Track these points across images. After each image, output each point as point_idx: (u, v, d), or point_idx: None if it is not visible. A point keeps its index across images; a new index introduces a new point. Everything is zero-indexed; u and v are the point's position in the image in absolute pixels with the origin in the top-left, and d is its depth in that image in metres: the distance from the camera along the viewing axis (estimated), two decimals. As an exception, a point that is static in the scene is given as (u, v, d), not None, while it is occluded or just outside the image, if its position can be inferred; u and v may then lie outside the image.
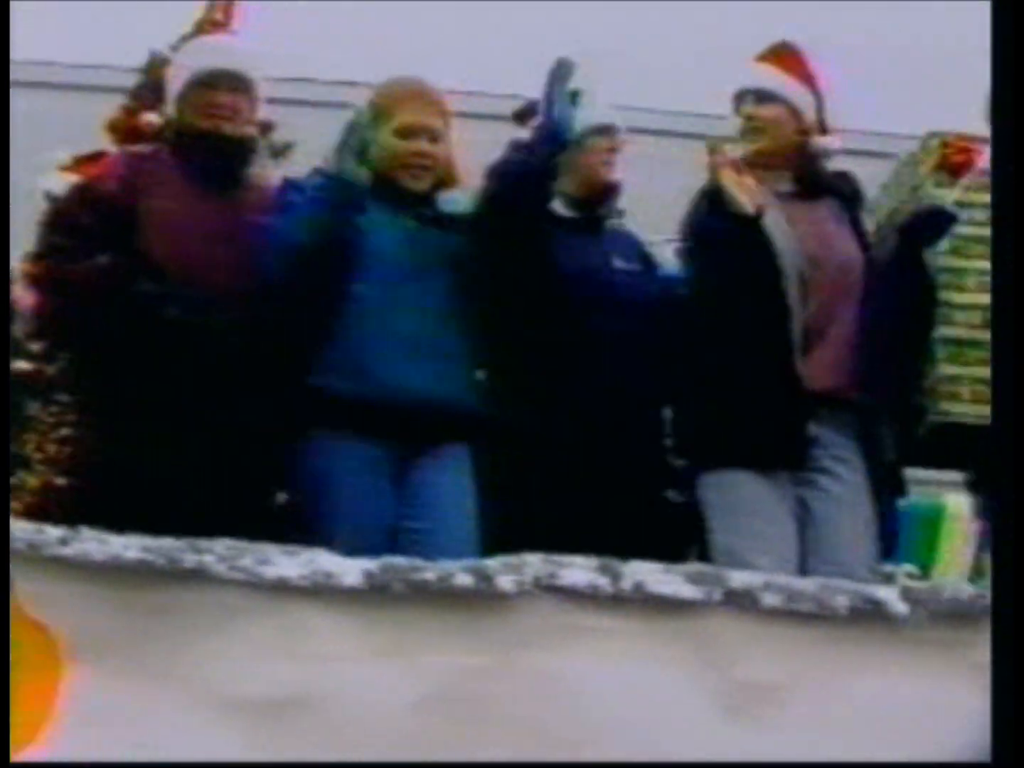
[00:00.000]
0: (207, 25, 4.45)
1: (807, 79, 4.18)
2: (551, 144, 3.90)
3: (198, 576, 2.92)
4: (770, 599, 3.00)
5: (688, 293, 4.10)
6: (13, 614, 2.91)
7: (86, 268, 3.88)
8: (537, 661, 2.95)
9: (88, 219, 3.99)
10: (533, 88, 4.02)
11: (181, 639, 2.92)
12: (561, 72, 3.93)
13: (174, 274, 3.91)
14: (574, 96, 3.93)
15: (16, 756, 2.86)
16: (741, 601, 3.00)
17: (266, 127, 4.53)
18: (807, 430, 3.92)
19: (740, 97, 4.22)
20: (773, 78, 4.18)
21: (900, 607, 3.00)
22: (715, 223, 4.02)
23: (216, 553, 2.93)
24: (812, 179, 4.18)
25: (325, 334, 3.86)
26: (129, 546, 2.93)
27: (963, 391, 3.95)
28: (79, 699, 2.90)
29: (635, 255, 4.36)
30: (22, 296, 4.22)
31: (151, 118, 4.52)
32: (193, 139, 4.09)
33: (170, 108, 4.20)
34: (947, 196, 4.03)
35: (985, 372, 3.90)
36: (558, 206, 4.31)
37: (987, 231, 4.00)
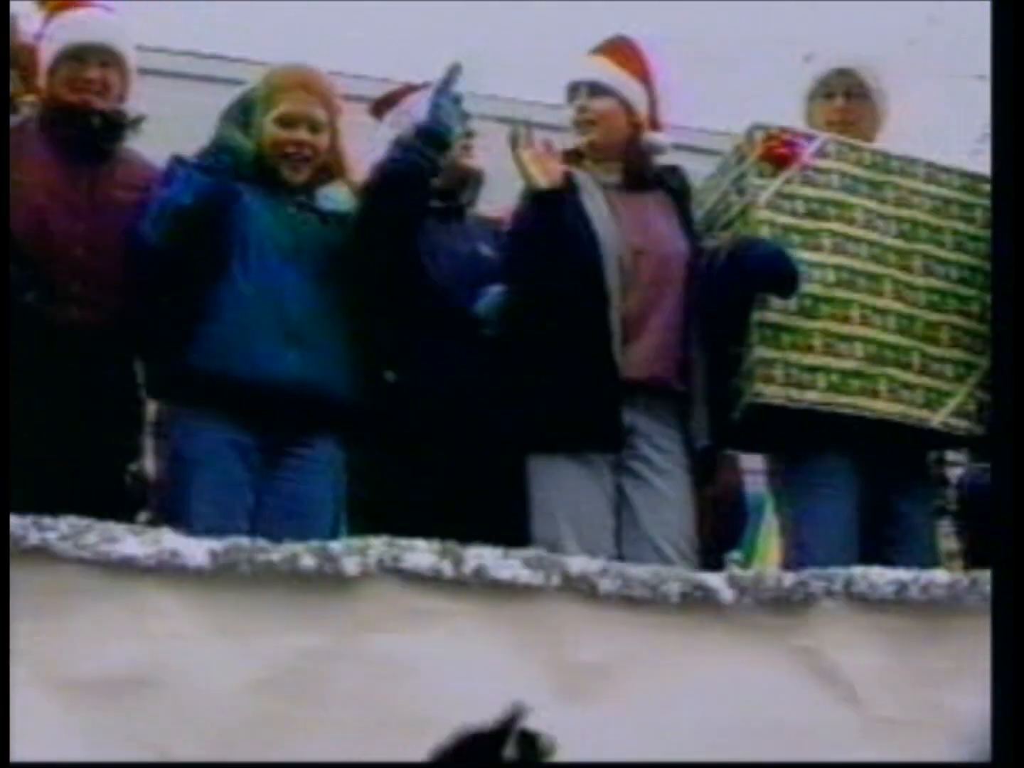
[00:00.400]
0: None
1: (641, 74, 4.23)
2: (433, 145, 3.97)
3: (41, 554, 2.89)
4: (606, 584, 3.09)
5: (510, 280, 4.13)
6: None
7: None
8: (378, 643, 2.98)
9: None
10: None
11: (22, 618, 2.88)
12: (449, 74, 3.99)
13: (36, 251, 3.81)
14: (457, 99, 4.00)
15: None
16: (578, 586, 3.07)
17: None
18: (622, 416, 4.02)
19: (574, 89, 4.24)
20: (607, 71, 4.22)
21: (727, 594, 3.11)
22: (522, 206, 4.09)
23: (60, 531, 2.91)
24: (640, 172, 4.22)
25: (198, 312, 3.83)
26: (-30, 522, 2.89)
27: (777, 374, 4.06)
28: (-83, 679, 2.84)
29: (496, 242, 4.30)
30: None
31: None
32: (62, 113, 3.99)
33: (40, 81, 4.08)
34: (768, 186, 4.15)
35: (798, 357, 4.04)
36: None
37: (806, 223, 4.13)
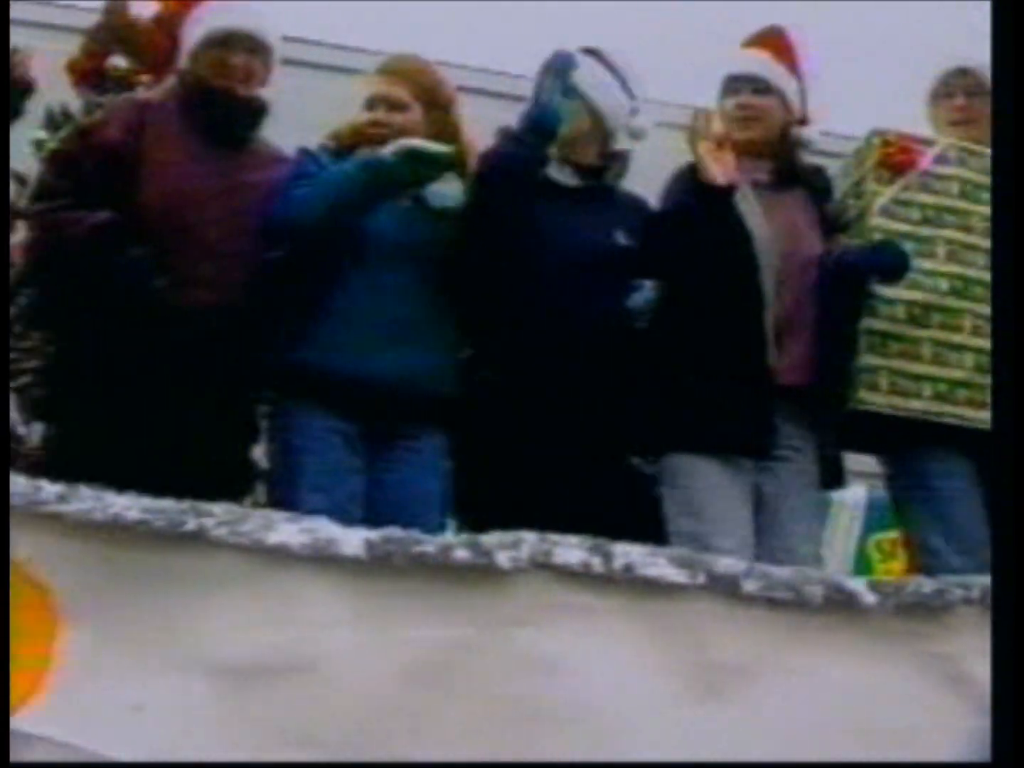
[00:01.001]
0: None
1: (793, 67, 4.16)
2: (541, 136, 3.89)
3: (197, 539, 2.89)
4: (750, 585, 3.08)
5: (662, 273, 4.08)
6: (12, 571, 2.85)
7: (80, 222, 3.76)
8: (523, 637, 2.98)
9: (88, 165, 3.88)
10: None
11: (177, 602, 2.88)
12: (560, 63, 3.93)
13: (168, 231, 3.81)
14: (568, 89, 3.93)
15: (14, 715, 2.80)
16: (722, 586, 3.07)
17: None
18: (773, 422, 4.01)
19: (733, 84, 4.17)
20: (769, 67, 4.15)
21: (869, 598, 3.10)
22: (688, 199, 3.99)
23: (217, 517, 2.90)
24: (789, 170, 4.17)
25: (313, 310, 3.82)
26: (130, 506, 2.88)
27: (882, 382, 4.05)
28: (75, 659, 2.84)
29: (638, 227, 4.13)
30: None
31: (117, 62, 4.41)
32: (203, 96, 4.01)
33: (183, 62, 4.11)
34: (885, 193, 4.13)
35: (905, 365, 4.03)
36: (562, 174, 4.16)
37: (922, 230, 4.11)
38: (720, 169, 3.88)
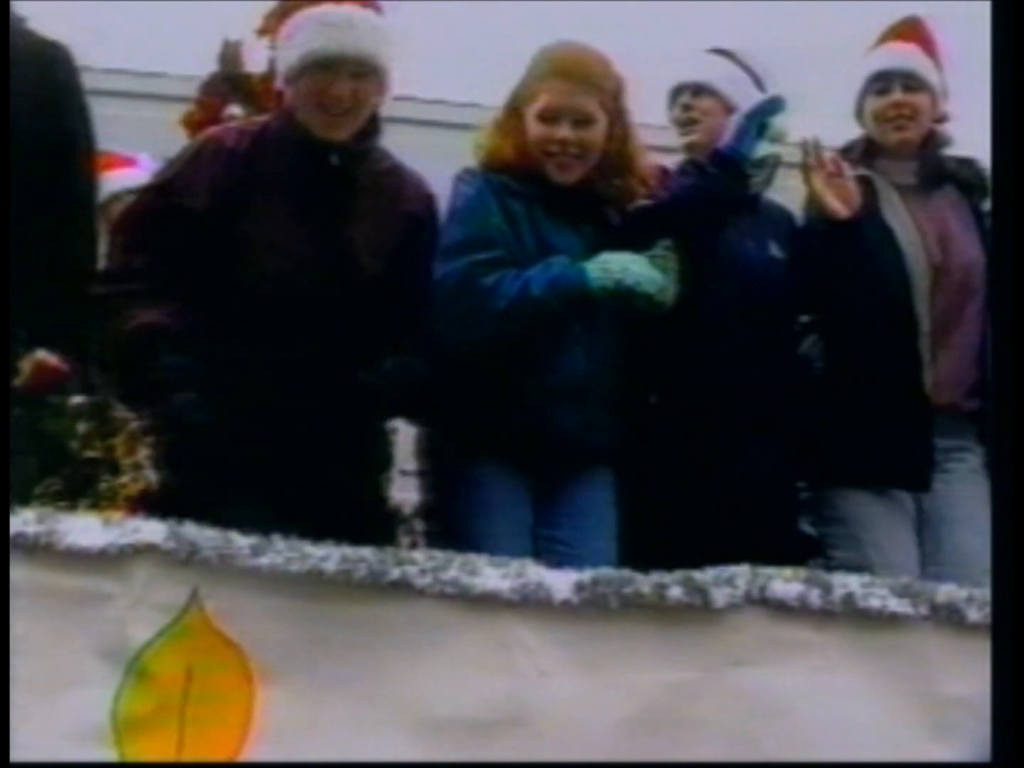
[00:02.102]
0: (281, 17, 4.06)
1: (937, 59, 3.90)
2: (729, 171, 3.61)
3: (399, 588, 2.68)
4: (974, 614, 2.86)
5: (803, 310, 3.88)
6: (204, 631, 2.65)
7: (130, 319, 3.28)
8: (747, 676, 2.77)
9: (165, 234, 3.35)
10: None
11: (382, 656, 2.67)
12: (764, 103, 3.68)
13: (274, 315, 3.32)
14: (763, 127, 3.65)
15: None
16: (946, 616, 2.85)
17: None
18: (933, 448, 3.79)
19: (881, 81, 3.88)
20: (920, 62, 3.87)
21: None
22: (814, 233, 3.74)
23: (419, 564, 2.70)
24: (937, 169, 3.90)
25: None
26: (328, 557, 2.68)
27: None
28: (274, 721, 2.63)
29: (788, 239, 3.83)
30: None
31: (235, 110, 4.16)
32: (301, 147, 3.37)
33: (279, 86, 3.50)
34: None
35: None
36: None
37: None
38: (840, 203, 3.63)
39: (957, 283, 3.80)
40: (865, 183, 3.78)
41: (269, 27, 4.01)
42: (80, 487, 3.25)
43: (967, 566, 3.56)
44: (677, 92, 3.89)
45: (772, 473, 3.64)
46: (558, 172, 3.55)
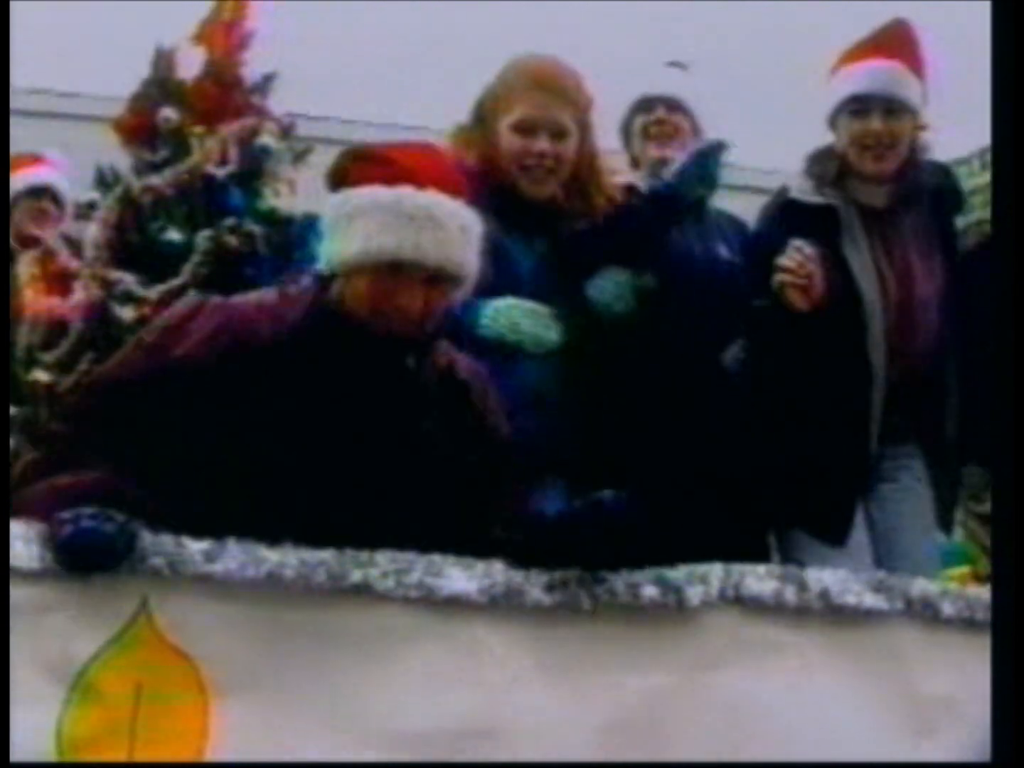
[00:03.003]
0: (216, 25, 3.90)
1: (917, 66, 3.61)
2: (662, 208, 3.49)
3: (361, 593, 2.51)
4: (948, 608, 2.75)
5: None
6: (154, 643, 2.45)
7: None
8: (724, 679, 2.63)
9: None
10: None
11: (343, 665, 2.49)
12: (710, 147, 3.57)
13: None
14: (703, 173, 3.53)
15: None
16: (920, 610, 2.74)
17: (287, 130, 4.02)
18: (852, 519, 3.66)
19: (858, 104, 3.61)
20: (901, 81, 3.59)
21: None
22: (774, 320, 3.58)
23: (380, 566, 2.52)
24: (911, 190, 3.67)
25: None
26: (285, 562, 2.49)
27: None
28: (231, 738, 2.44)
29: (739, 245, 3.72)
30: (32, 301, 3.66)
31: (168, 114, 3.95)
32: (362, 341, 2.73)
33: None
34: None
35: None
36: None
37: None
38: (803, 298, 3.48)
39: (912, 320, 3.64)
40: (830, 213, 3.62)
41: (204, 35, 3.84)
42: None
43: (919, 568, 3.45)
44: (647, 104, 3.81)
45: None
46: (531, 186, 3.40)
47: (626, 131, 3.86)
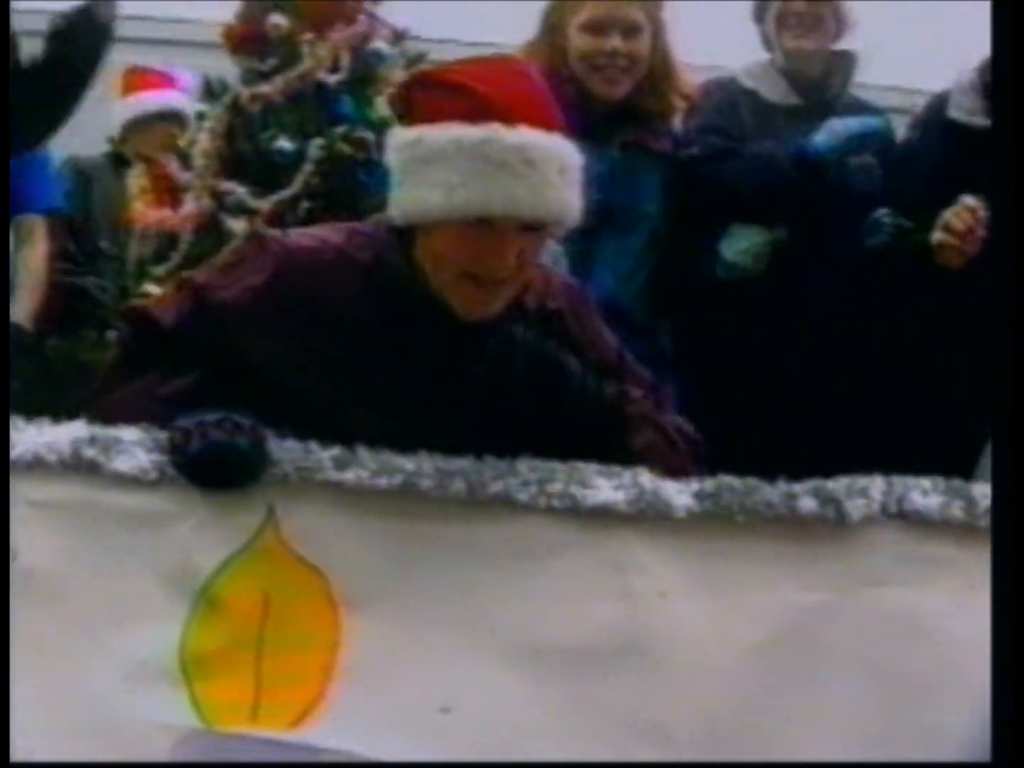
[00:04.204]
0: None
1: None
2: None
3: (502, 504, 2.33)
4: None
5: None
6: (281, 553, 2.29)
7: None
8: (884, 597, 2.43)
9: None
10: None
11: (483, 580, 2.31)
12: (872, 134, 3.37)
13: None
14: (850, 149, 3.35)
15: (297, 727, 2.24)
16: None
17: (399, 36, 3.83)
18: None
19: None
20: None
21: None
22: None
23: (521, 475, 2.34)
24: None
25: None
26: (421, 471, 2.32)
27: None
28: (362, 653, 2.28)
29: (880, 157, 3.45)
30: (142, 213, 3.50)
31: (278, 20, 3.75)
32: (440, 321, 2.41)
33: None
34: None
35: None
36: (778, 92, 3.56)
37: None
38: (960, 259, 3.28)
39: None
40: None
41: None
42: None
43: None
44: None
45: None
46: (605, 86, 3.28)
47: (760, 10, 3.60)
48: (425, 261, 2.30)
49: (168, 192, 3.52)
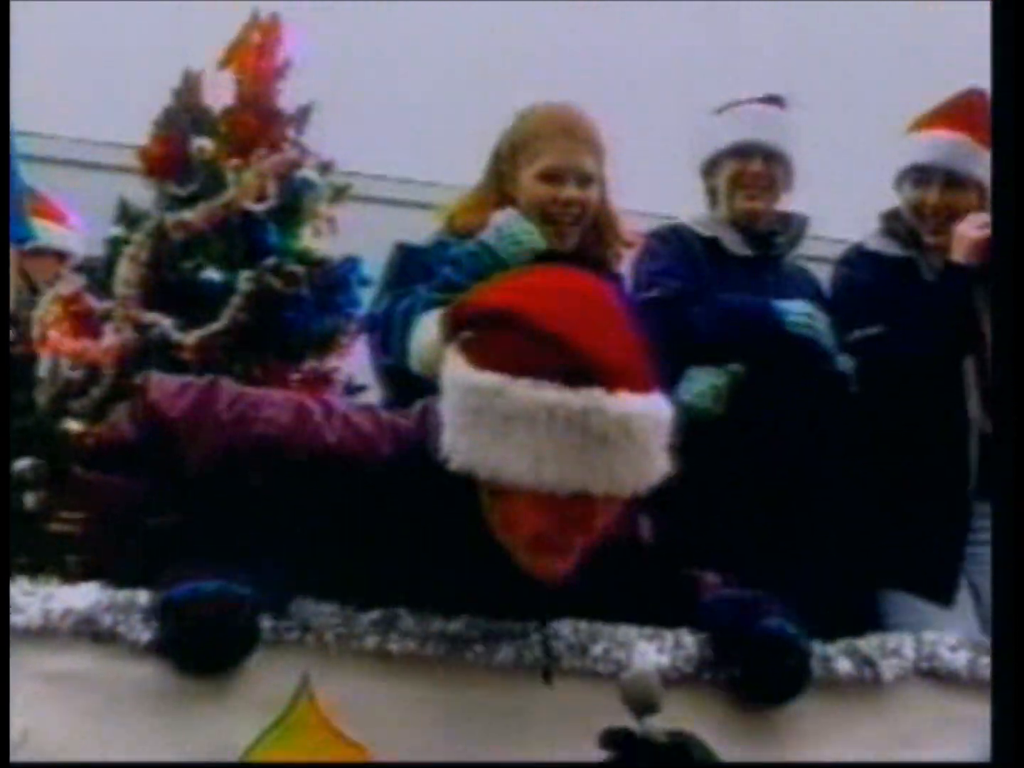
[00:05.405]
0: (246, 48, 3.62)
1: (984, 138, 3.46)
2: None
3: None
4: None
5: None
6: (318, 725, 2.17)
7: None
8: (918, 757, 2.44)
9: None
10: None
11: (532, 748, 2.24)
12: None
13: None
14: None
15: None
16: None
17: (326, 166, 3.76)
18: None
19: (924, 174, 3.60)
20: (971, 154, 3.57)
21: None
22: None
23: (565, 639, 2.29)
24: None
25: None
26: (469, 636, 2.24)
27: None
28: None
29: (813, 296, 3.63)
30: (59, 343, 3.33)
31: (203, 144, 3.63)
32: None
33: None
34: None
35: None
36: (734, 243, 3.65)
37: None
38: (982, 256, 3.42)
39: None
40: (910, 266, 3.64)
41: (231, 59, 3.56)
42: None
43: None
44: (745, 150, 3.63)
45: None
46: (556, 238, 3.29)
47: (710, 169, 3.67)
48: (491, 512, 2.10)
49: (84, 322, 3.35)
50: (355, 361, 3.66)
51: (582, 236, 3.30)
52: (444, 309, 2.21)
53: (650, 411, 2.00)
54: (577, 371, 1.94)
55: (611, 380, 1.95)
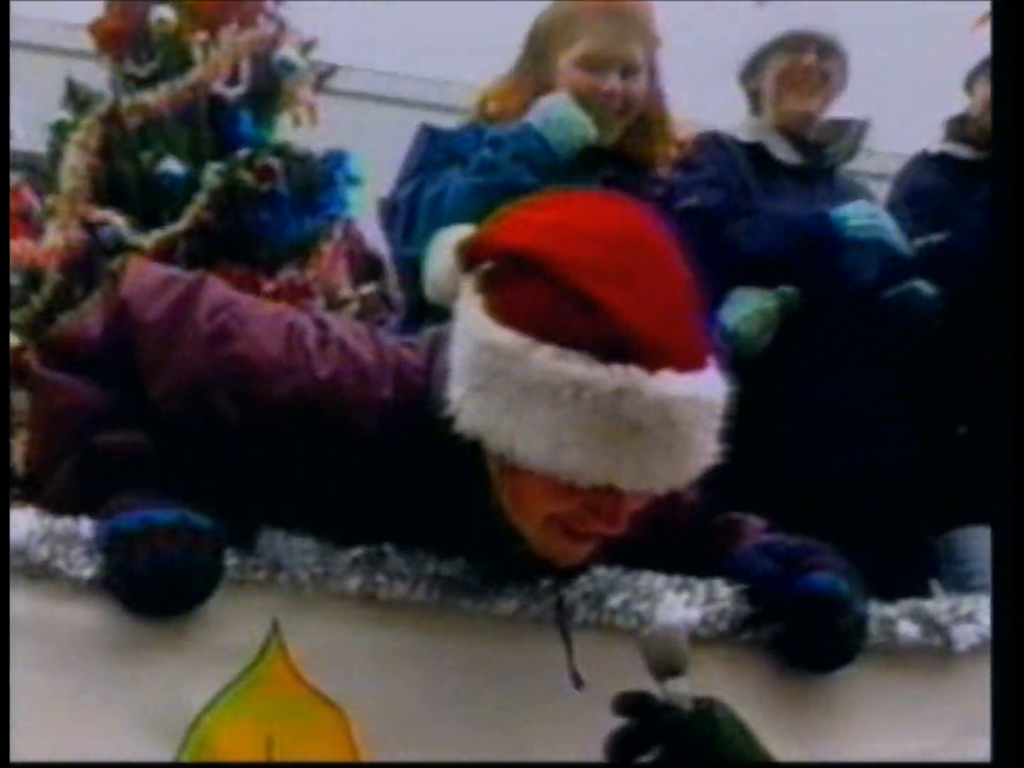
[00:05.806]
0: None
1: None
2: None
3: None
4: None
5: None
6: (288, 680, 1.90)
7: None
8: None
9: None
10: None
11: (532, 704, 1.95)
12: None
13: None
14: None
15: None
16: None
17: (308, 45, 3.46)
18: None
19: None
20: None
21: None
22: None
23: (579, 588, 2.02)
24: None
25: None
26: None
27: None
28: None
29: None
30: None
31: (163, 14, 3.29)
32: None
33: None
34: None
35: None
36: (782, 151, 3.39)
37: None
38: None
39: None
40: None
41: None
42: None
43: None
44: (796, 42, 3.37)
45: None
46: (597, 130, 3.04)
47: (754, 66, 3.40)
48: (499, 486, 1.85)
49: (22, 219, 3.03)
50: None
51: (626, 130, 3.08)
52: (459, 240, 1.90)
53: (699, 395, 1.71)
54: (613, 343, 1.68)
55: (653, 357, 1.68)
